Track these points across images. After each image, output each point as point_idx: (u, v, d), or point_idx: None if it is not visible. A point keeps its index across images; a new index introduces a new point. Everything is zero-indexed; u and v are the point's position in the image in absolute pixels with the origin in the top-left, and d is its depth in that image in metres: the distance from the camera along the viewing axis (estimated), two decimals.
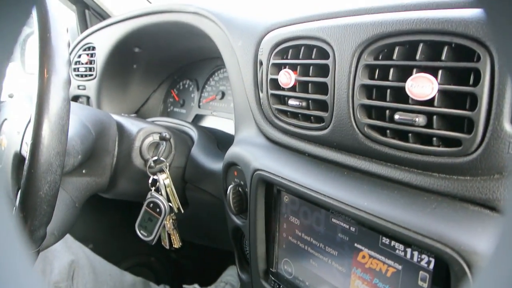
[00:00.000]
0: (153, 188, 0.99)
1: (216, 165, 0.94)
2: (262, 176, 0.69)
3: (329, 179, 0.60)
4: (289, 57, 0.68)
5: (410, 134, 0.51)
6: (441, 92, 0.47)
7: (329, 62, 0.59)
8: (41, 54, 0.62)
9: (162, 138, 0.98)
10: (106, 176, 0.99)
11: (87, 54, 1.45)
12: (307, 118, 0.66)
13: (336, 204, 0.55)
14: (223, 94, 1.32)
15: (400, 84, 0.50)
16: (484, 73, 0.43)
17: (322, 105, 0.62)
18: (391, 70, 0.52)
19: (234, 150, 0.80)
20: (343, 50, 0.57)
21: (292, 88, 0.66)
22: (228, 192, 0.79)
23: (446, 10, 0.48)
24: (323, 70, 0.61)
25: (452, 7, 0.48)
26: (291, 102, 0.66)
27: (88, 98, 1.48)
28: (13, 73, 1.64)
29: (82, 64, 1.47)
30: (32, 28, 0.64)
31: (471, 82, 0.45)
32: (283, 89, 0.68)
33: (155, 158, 0.98)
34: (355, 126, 0.57)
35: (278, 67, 0.69)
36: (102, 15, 1.59)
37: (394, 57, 0.51)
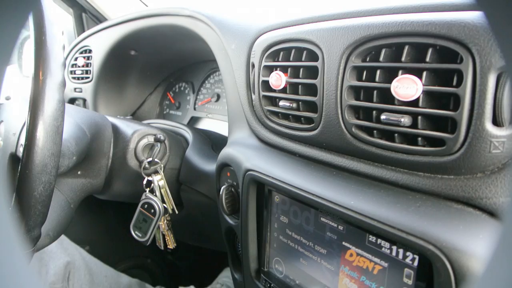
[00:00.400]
0: (147, 189, 0.99)
1: (210, 167, 0.95)
2: (253, 176, 0.70)
3: (318, 178, 0.61)
4: (280, 59, 0.69)
5: (396, 134, 0.52)
6: (426, 93, 0.48)
7: (318, 64, 0.60)
8: (36, 57, 0.62)
9: (157, 140, 0.99)
10: (101, 178, 1.00)
11: (84, 57, 1.46)
12: (297, 119, 0.67)
13: (325, 203, 0.56)
14: (218, 97, 1.34)
15: (386, 85, 0.51)
16: (466, 74, 0.44)
17: (312, 106, 0.63)
18: (378, 72, 0.53)
19: (227, 151, 0.81)
20: (332, 52, 0.58)
21: (283, 90, 0.67)
22: (221, 193, 0.80)
23: (430, 13, 0.49)
24: (313, 72, 0.62)
25: (436, 10, 0.49)
26: (282, 103, 0.67)
27: (84, 100, 1.49)
28: (10, 76, 1.65)
29: (79, 66, 1.48)
30: (29, 31, 0.65)
31: (454, 83, 0.46)
32: (274, 90, 0.69)
33: (150, 159, 0.99)
34: (343, 127, 0.58)
35: (270, 69, 0.71)
36: (98, 18, 1.60)
37: (381, 59, 0.53)
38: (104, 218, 1.69)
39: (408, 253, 0.48)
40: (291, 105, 0.66)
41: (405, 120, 0.50)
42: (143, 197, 1.00)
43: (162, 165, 1.00)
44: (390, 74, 0.52)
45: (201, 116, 1.41)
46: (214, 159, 0.94)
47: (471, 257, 0.42)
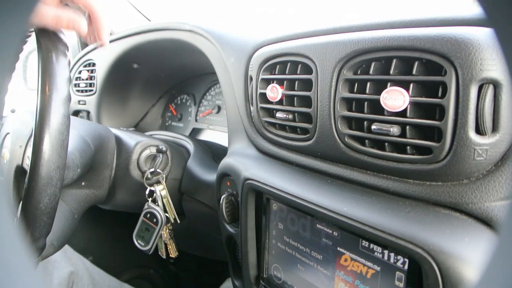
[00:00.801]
0: (150, 199, 1.02)
1: (211, 177, 0.97)
2: (252, 185, 0.72)
3: (313, 187, 0.63)
4: (276, 72, 0.72)
5: (386, 144, 0.54)
6: (413, 103, 0.51)
7: (312, 77, 0.63)
8: (43, 73, 0.65)
9: (159, 151, 1.02)
10: (105, 188, 1.03)
11: (88, 70, 1.50)
12: (294, 129, 0.70)
13: (320, 210, 0.59)
14: (219, 108, 1.37)
15: (375, 96, 0.54)
16: (450, 86, 0.47)
17: (307, 117, 0.66)
18: (368, 84, 0.55)
19: (226, 161, 0.84)
20: (325, 66, 0.61)
21: (280, 102, 0.70)
22: (221, 202, 0.82)
23: (416, 28, 0.52)
24: (307, 85, 0.65)
25: (421, 26, 0.52)
26: (279, 115, 0.70)
27: (88, 112, 1.52)
28: (15, 89, 1.68)
29: (83, 80, 1.51)
30: (34, 45, 0.68)
31: (439, 94, 0.49)
32: (271, 102, 0.72)
33: (152, 170, 1.01)
34: (336, 137, 0.60)
35: (267, 82, 0.73)
36: None
37: (371, 72, 0.55)
38: (108, 229, 1.71)
39: (399, 257, 0.51)
40: (287, 116, 0.69)
41: (394, 130, 0.52)
42: (146, 206, 1.02)
43: (164, 176, 1.03)
44: (380, 86, 0.54)
45: (202, 128, 1.44)
46: (215, 169, 0.96)
47: (457, 259, 0.44)
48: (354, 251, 0.57)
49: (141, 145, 1.02)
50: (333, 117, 0.60)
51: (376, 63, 0.55)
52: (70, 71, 1.52)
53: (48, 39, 0.67)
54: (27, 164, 0.83)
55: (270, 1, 1.67)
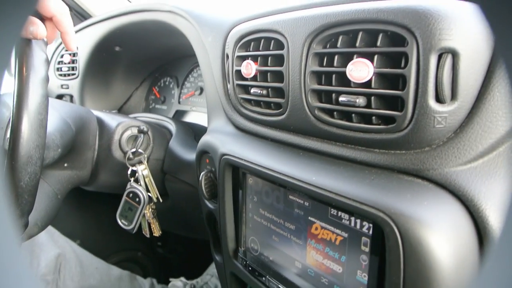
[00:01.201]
0: (132, 179, 1.03)
1: (193, 156, 0.98)
2: (228, 160, 0.74)
3: (286, 159, 0.65)
4: (251, 49, 0.73)
5: (353, 115, 0.56)
6: (377, 75, 0.52)
7: (284, 52, 0.64)
8: (20, 54, 0.66)
9: (140, 131, 1.03)
10: (88, 169, 1.04)
11: (70, 54, 1.49)
12: (268, 105, 0.71)
13: (291, 181, 0.61)
14: (201, 90, 1.37)
15: (342, 69, 0.55)
16: (411, 56, 0.49)
17: (280, 92, 0.67)
18: (336, 57, 0.57)
19: (205, 139, 0.85)
20: (295, 41, 0.62)
21: (254, 78, 0.71)
22: (200, 179, 0.84)
23: (381, 1, 0.53)
24: (280, 60, 0.66)
25: None
26: (253, 90, 0.71)
27: (71, 96, 1.52)
28: None
29: (65, 64, 1.51)
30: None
31: (402, 65, 0.51)
32: (246, 79, 0.73)
33: (134, 150, 1.02)
34: (307, 110, 0.62)
35: (242, 59, 0.75)
36: (83, 15, 1.63)
37: (338, 45, 0.57)
38: (95, 213, 1.72)
39: (364, 223, 0.53)
40: (261, 92, 0.70)
41: (360, 100, 0.54)
42: (128, 186, 1.03)
43: (146, 156, 1.04)
44: (347, 59, 0.56)
45: (185, 110, 1.44)
46: (196, 148, 0.98)
47: (415, 221, 0.46)
48: (323, 219, 0.59)
49: (122, 126, 1.03)
50: (303, 90, 0.62)
51: (343, 37, 0.57)
52: (52, 55, 1.52)
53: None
54: (7, 144, 0.83)
55: None
